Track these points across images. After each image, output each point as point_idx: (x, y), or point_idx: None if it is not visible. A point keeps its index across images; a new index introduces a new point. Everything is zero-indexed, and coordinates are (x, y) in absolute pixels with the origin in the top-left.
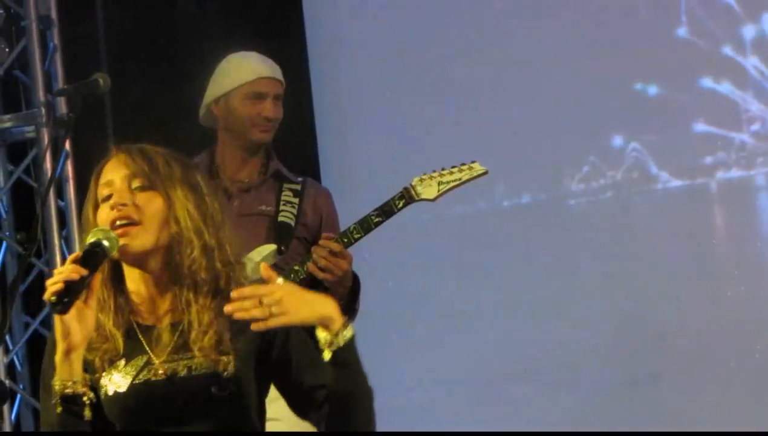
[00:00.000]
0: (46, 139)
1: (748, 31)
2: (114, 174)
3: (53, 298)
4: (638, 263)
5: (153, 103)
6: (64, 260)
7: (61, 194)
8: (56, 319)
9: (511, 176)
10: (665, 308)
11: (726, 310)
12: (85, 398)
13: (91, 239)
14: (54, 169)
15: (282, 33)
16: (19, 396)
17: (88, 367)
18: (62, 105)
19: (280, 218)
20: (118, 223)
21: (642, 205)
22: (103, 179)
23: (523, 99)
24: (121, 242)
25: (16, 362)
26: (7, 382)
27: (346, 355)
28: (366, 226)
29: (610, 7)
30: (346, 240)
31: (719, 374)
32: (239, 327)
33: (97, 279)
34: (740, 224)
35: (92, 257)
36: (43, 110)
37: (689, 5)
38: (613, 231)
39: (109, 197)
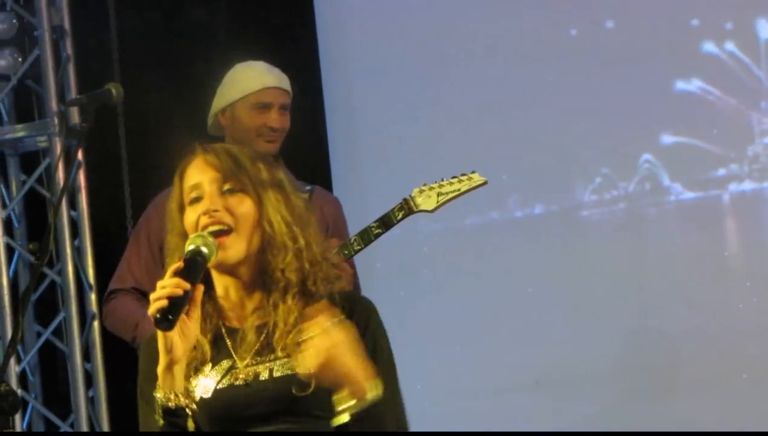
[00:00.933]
0: (58, 149)
1: (763, 47)
2: (202, 176)
3: (158, 315)
4: (650, 274)
5: (165, 112)
6: (76, 269)
7: (73, 204)
8: (159, 333)
9: (524, 187)
10: (677, 320)
11: (738, 322)
12: (187, 410)
13: (190, 246)
14: (66, 179)
15: (294, 42)
16: (30, 405)
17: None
18: (75, 115)
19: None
20: (211, 229)
21: (654, 217)
22: (189, 181)
23: (537, 110)
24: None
25: (28, 372)
26: (18, 391)
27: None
28: (366, 237)
29: (623, 20)
30: (346, 252)
31: (731, 385)
32: (324, 327)
33: (200, 290)
34: (753, 236)
35: (194, 266)
36: (56, 120)
37: (708, 17)
38: (626, 243)
39: (197, 200)
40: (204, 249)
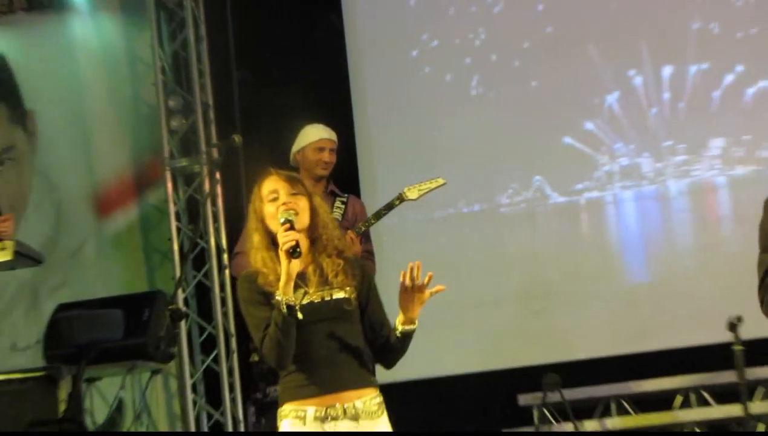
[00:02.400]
0: (206, 171)
1: (608, 101)
2: (277, 185)
3: (290, 250)
4: (539, 246)
5: (267, 152)
6: (217, 243)
7: (214, 203)
8: (284, 261)
9: (468, 193)
10: (552, 269)
11: (586, 271)
12: (297, 307)
13: (285, 216)
14: (210, 188)
15: (339, 114)
16: (189, 318)
17: (271, 296)
18: (215, 152)
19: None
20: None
21: (542, 213)
22: (268, 188)
23: (477, 147)
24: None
25: (188, 298)
26: (183, 309)
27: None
28: (378, 215)
29: (511, 84)
30: (367, 224)
31: (582, 306)
32: (352, 273)
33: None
34: (597, 224)
35: (293, 226)
36: (204, 155)
37: (579, 79)
38: (525, 228)
39: (275, 199)
40: (292, 218)
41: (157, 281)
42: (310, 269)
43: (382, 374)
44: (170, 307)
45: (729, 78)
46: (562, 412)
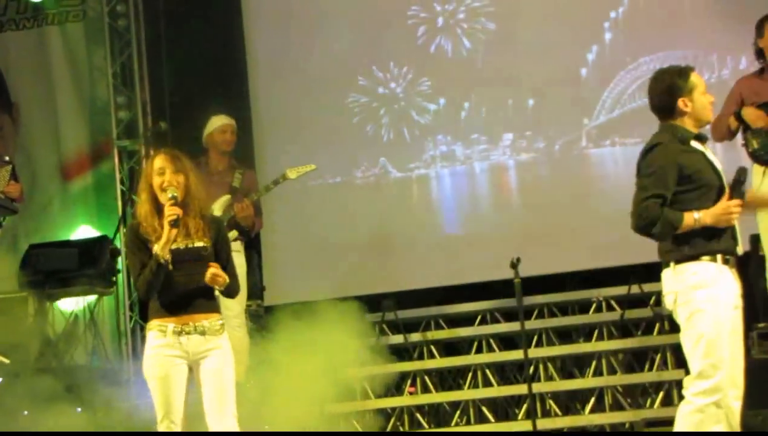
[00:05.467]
0: (143, 149)
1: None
2: (165, 163)
3: (174, 221)
4: (382, 208)
5: (185, 134)
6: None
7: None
8: (167, 227)
9: (333, 169)
10: (392, 226)
11: (415, 227)
12: (169, 259)
13: (172, 193)
14: (145, 160)
15: (238, 106)
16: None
17: (148, 242)
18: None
19: (233, 184)
20: (170, 188)
21: (385, 184)
22: (158, 164)
23: (341, 135)
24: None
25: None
26: (119, 247)
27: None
28: (266, 188)
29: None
30: (259, 194)
31: (410, 249)
32: (209, 228)
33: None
34: (424, 193)
35: (178, 202)
36: (141, 138)
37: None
38: (373, 195)
39: (162, 173)
40: (176, 194)
41: (105, 228)
42: (183, 224)
43: (275, 298)
44: (110, 246)
45: (516, 93)
46: (396, 327)
